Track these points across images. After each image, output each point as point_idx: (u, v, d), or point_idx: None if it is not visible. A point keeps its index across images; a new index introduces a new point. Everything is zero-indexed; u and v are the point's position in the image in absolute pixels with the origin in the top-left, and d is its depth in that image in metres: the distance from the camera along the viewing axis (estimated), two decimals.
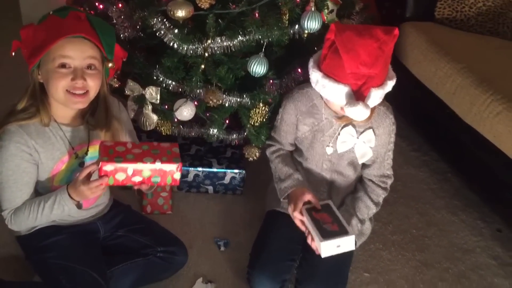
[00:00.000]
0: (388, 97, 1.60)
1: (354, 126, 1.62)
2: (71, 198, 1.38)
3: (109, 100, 1.51)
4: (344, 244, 1.45)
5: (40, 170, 1.44)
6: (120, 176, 1.29)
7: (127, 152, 1.30)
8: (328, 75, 1.47)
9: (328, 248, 1.45)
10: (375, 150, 1.64)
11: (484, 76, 2.04)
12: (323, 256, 1.46)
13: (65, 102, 1.39)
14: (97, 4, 1.87)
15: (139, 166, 1.29)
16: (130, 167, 1.28)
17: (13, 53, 1.37)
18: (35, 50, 1.34)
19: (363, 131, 1.62)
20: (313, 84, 1.55)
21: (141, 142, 1.37)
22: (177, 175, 1.34)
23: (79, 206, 1.42)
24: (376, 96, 1.46)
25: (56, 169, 1.46)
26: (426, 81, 2.29)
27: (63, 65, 1.34)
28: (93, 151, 1.50)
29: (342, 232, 1.46)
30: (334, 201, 1.64)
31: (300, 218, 1.55)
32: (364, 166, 1.71)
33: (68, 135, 1.46)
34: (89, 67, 1.38)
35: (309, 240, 1.53)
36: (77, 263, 1.47)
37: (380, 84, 1.47)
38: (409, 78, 2.39)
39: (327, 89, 1.47)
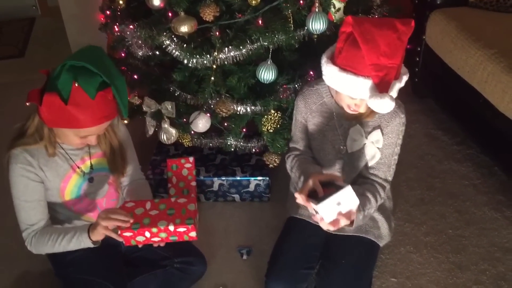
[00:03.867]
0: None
1: (362, 125, 1.56)
2: (90, 237, 1.45)
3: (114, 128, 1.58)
4: (344, 200, 1.30)
5: (49, 187, 1.52)
6: (140, 238, 1.43)
7: (144, 215, 1.43)
8: (345, 68, 1.40)
9: (327, 209, 1.30)
10: (381, 151, 1.57)
11: None
12: (327, 220, 1.32)
13: (74, 146, 1.51)
14: (116, 29, 1.96)
15: (154, 230, 1.41)
16: (147, 232, 1.41)
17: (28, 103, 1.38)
18: (60, 121, 1.37)
19: (371, 131, 1.55)
20: (326, 80, 1.48)
21: (160, 200, 1.48)
22: (193, 234, 1.43)
23: (96, 243, 1.49)
24: (396, 89, 1.39)
25: (63, 185, 1.54)
26: (459, 70, 2.15)
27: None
28: (97, 164, 1.58)
29: (337, 190, 1.30)
30: None
31: (301, 202, 1.41)
32: (370, 167, 1.63)
33: (69, 152, 1.53)
34: None
35: (318, 220, 1.39)
36: (96, 276, 1.55)
37: (398, 77, 1.40)
38: (444, 68, 2.26)
39: (345, 84, 1.40)
